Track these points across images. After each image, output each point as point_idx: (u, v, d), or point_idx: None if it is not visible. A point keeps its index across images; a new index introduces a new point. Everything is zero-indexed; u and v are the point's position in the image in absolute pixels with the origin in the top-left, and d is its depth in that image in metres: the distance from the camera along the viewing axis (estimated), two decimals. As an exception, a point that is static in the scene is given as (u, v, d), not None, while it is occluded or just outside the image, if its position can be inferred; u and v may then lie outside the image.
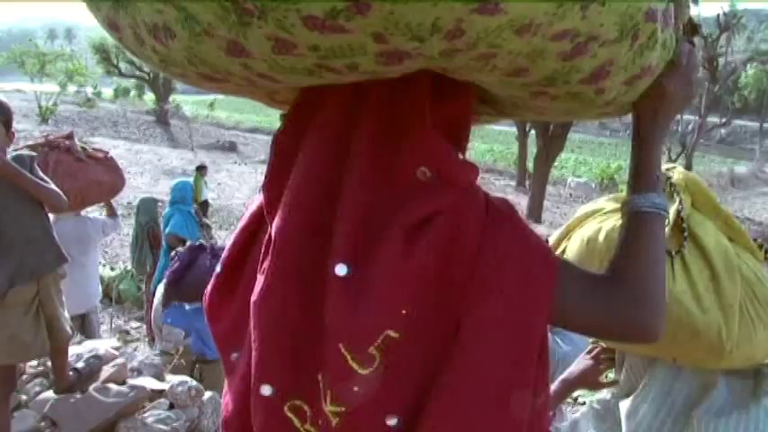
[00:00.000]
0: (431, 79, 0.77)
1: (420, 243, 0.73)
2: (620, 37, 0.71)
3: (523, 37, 0.65)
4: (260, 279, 0.78)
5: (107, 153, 4.02)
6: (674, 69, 0.84)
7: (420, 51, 0.66)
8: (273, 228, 0.79)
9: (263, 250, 0.82)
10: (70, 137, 3.86)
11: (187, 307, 4.27)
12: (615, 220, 1.46)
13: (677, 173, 1.47)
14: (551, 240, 1.76)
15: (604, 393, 1.60)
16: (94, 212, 4.32)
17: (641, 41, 0.74)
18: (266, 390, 0.76)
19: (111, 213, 4.25)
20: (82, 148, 3.85)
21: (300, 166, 0.79)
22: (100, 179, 3.83)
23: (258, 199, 0.91)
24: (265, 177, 0.85)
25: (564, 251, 1.60)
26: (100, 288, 4.60)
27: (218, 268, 0.92)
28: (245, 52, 0.69)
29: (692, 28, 0.83)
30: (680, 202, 1.38)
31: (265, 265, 0.79)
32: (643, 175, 0.86)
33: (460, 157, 0.79)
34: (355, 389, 0.72)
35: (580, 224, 1.64)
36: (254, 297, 0.78)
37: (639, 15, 0.71)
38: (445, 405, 0.73)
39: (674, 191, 1.42)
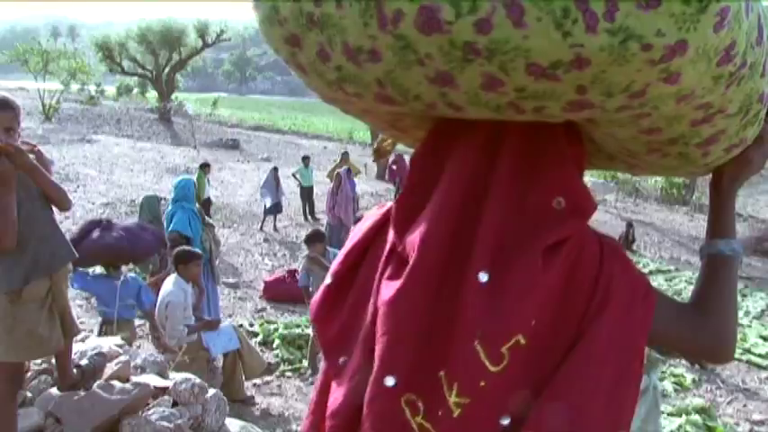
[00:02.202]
0: (564, 124, 0.89)
1: (552, 263, 0.83)
2: (738, 112, 0.86)
3: (679, 104, 0.79)
4: (390, 284, 0.89)
5: (34, 146, 4.15)
6: (759, 143, 0.99)
7: (603, 105, 0.78)
8: (413, 237, 0.89)
9: (383, 260, 0.93)
10: None
11: (90, 274, 4.57)
12: None
13: None
14: None
15: None
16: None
17: (749, 118, 0.89)
18: (390, 380, 0.84)
19: None
20: None
21: (443, 189, 0.90)
22: None
23: (371, 217, 1.04)
24: (402, 193, 0.96)
25: None
26: None
27: (327, 279, 1.01)
28: (453, 84, 0.79)
29: None
30: None
31: (389, 271, 0.91)
32: (724, 224, 1.01)
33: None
34: (482, 384, 0.81)
35: None
36: (386, 297, 0.87)
37: (755, 96, 0.86)
38: (554, 408, 0.81)
39: None
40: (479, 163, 0.90)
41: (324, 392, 0.99)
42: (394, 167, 15.03)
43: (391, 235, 0.94)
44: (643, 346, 0.86)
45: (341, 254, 1.03)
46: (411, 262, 0.87)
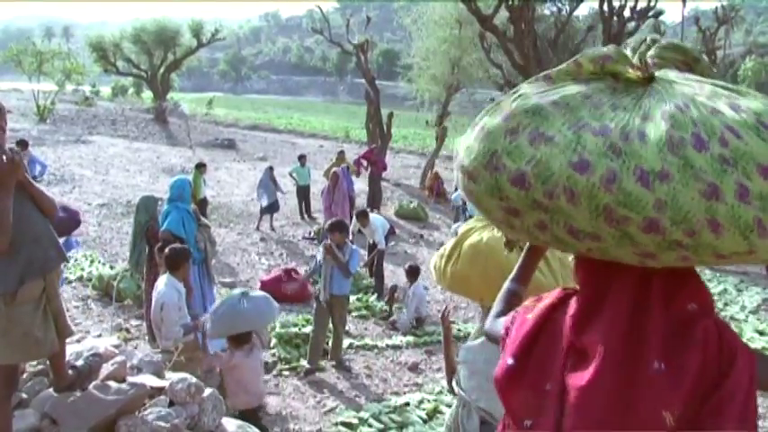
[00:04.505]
0: None
1: (698, 350, 1.21)
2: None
3: (749, 256, 1.17)
4: (578, 374, 1.27)
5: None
6: None
7: (700, 260, 1.18)
8: (592, 339, 1.27)
9: (564, 353, 1.32)
10: None
11: None
12: (489, 231, 2.63)
13: None
14: (447, 249, 2.78)
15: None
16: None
17: None
18: None
19: None
20: None
21: (612, 308, 1.28)
22: None
23: (534, 310, 1.41)
24: (579, 303, 1.34)
25: (459, 255, 2.67)
26: None
27: (509, 361, 1.39)
28: (654, 258, 1.18)
29: None
30: None
31: (572, 363, 1.29)
32: None
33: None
34: None
35: (465, 236, 2.71)
36: (578, 384, 1.26)
37: None
38: None
39: None
40: (638, 286, 1.27)
41: None
42: (367, 159, 14.94)
43: (566, 330, 1.33)
44: (756, 392, 1.22)
45: (516, 340, 1.41)
46: (597, 358, 1.25)
